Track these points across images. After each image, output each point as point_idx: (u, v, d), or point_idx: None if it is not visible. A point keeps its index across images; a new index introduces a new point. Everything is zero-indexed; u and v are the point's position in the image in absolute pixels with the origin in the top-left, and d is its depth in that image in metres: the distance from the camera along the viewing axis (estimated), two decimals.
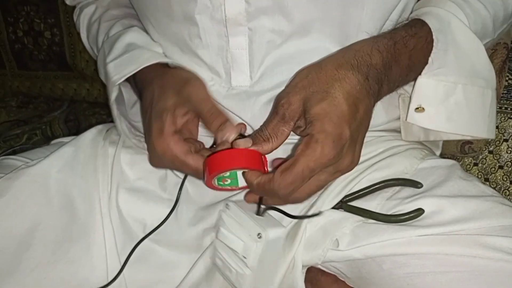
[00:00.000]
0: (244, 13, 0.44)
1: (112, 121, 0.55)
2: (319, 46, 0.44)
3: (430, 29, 0.43)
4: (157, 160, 0.44)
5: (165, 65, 0.48)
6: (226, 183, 0.42)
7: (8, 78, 1.03)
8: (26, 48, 0.97)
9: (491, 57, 0.59)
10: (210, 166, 0.39)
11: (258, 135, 0.39)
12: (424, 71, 0.44)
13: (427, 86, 0.44)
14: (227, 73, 0.47)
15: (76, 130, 0.93)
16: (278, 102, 0.39)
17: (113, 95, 0.49)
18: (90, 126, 0.57)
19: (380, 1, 0.44)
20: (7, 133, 0.94)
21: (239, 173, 0.41)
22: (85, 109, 0.98)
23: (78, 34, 0.89)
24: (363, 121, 0.39)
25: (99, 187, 0.48)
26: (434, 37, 0.43)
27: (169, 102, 0.43)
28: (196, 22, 0.45)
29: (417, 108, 0.44)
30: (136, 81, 0.49)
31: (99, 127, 0.55)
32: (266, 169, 0.41)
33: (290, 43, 0.45)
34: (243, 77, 0.46)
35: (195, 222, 0.48)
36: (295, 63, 0.45)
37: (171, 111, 0.43)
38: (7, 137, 0.93)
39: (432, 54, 0.43)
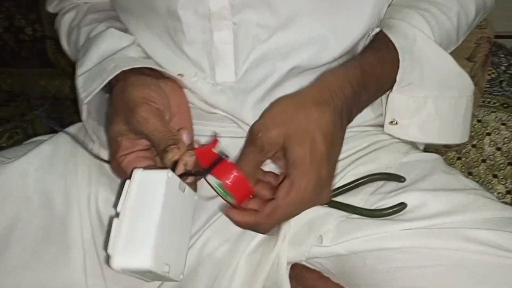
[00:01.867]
0: (228, 7, 0.43)
1: None
2: (305, 41, 0.44)
3: (395, 47, 0.44)
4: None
5: (134, 71, 0.45)
6: (220, 189, 0.41)
7: None
8: (7, 44, 0.95)
9: (474, 51, 0.60)
10: (222, 168, 0.39)
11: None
12: (394, 88, 0.45)
13: (399, 101, 0.46)
14: (212, 69, 0.46)
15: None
16: (256, 133, 0.39)
17: (83, 114, 0.47)
18: (74, 124, 0.56)
19: None
20: None
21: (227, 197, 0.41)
22: (68, 107, 0.96)
23: None
24: (338, 154, 0.42)
25: (78, 186, 0.47)
26: (400, 56, 0.44)
27: (119, 127, 0.41)
28: (179, 17, 0.44)
29: (391, 122, 0.47)
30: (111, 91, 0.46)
31: (79, 124, 0.54)
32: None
33: (276, 37, 0.44)
34: (228, 72, 0.46)
35: None
36: (280, 58, 0.45)
37: (123, 134, 0.41)
38: None
39: (399, 74, 0.44)
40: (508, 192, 0.56)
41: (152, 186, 0.34)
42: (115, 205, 0.36)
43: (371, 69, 0.43)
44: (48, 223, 0.44)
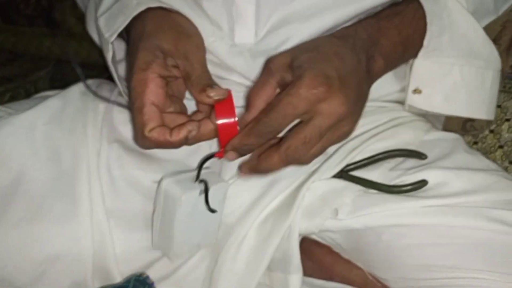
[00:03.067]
0: None
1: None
2: (331, 5, 0.43)
3: (418, 6, 0.42)
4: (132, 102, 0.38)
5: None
6: None
7: None
8: (12, 1, 0.92)
9: (499, 33, 0.58)
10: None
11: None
12: (420, 54, 0.43)
13: (423, 68, 0.44)
14: (231, 29, 0.44)
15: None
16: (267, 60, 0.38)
17: (109, 54, 0.45)
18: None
19: None
20: None
21: None
22: (72, 70, 0.94)
23: None
24: (353, 73, 0.37)
25: (88, 142, 0.45)
26: (428, 20, 0.42)
27: (164, 43, 0.39)
28: None
29: (414, 90, 0.44)
30: (129, 36, 0.45)
31: (89, 81, 0.52)
32: None
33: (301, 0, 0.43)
34: (248, 33, 0.44)
35: None
36: (303, 20, 0.43)
37: (164, 53, 0.39)
38: None
39: (426, 37, 0.42)
40: None
41: (171, 199, 0.40)
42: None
43: (387, 18, 0.42)
44: (56, 177, 0.43)
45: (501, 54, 0.55)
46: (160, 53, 0.38)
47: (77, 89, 0.50)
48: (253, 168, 0.38)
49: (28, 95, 0.89)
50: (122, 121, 0.47)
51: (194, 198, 0.40)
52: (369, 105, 0.42)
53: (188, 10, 0.44)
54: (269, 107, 0.35)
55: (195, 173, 0.40)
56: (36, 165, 0.43)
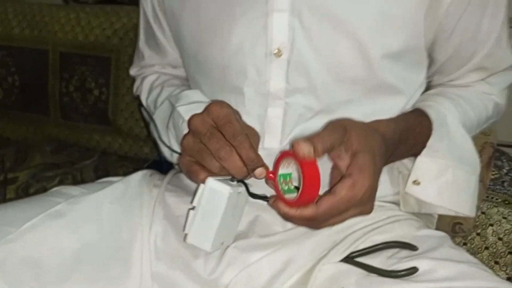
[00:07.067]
0: (284, 90, 0.54)
1: (147, 167, 0.65)
2: None
3: (430, 119, 0.55)
4: (195, 125, 0.47)
5: None
6: (284, 186, 0.47)
7: (49, 126, 1.13)
8: (73, 101, 1.08)
9: (479, 152, 0.70)
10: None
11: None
12: (423, 152, 0.54)
13: (425, 164, 0.54)
14: (262, 136, 0.56)
15: None
16: (342, 123, 0.47)
17: (185, 131, 0.52)
18: (117, 176, 0.64)
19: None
20: (41, 174, 1.02)
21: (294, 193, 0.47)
22: (114, 161, 1.07)
23: (123, 95, 1.02)
24: (378, 179, 0.48)
25: (143, 219, 0.55)
26: (433, 126, 0.54)
27: (228, 109, 0.48)
28: (243, 93, 0.56)
29: (414, 181, 0.54)
30: None
31: (144, 171, 0.64)
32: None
33: (318, 118, 0.55)
34: (275, 140, 0.56)
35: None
36: None
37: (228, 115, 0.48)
38: (40, 178, 1.01)
39: (430, 140, 0.54)
40: (508, 279, 0.62)
41: (218, 194, 0.46)
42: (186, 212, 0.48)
43: (413, 127, 0.52)
44: (115, 248, 0.52)
45: (481, 170, 0.66)
46: (231, 114, 0.48)
47: (136, 176, 0.62)
48: (284, 211, 0.45)
49: (74, 180, 1.01)
50: (173, 202, 0.58)
51: (235, 196, 0.46)
52: None
53: None
54: (329, 205, 0.44)
55: (230, 178, 0.48)
56: (100, 237, 0.52)
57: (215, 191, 0.46)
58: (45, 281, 0.47)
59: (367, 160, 0.45)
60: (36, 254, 0.48)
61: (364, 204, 0.46)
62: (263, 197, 0.48)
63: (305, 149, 0.43)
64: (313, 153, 0.43)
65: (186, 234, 0.47)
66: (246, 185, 0.48)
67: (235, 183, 0.48)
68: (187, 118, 0.53)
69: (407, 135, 0.53)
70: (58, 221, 0.51)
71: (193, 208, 0.47)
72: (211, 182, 0.46)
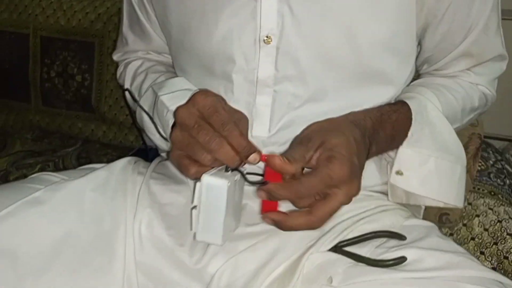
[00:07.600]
0: (272, 78, 0.53)
1: (132, 155, 0.63)
2: (330, 111, 0.53)
3: (409, 108, 0.54)
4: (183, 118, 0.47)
5: None
6: None
7: (30, 113, 1.10)
8: (55, 87, 1.05)
9: (466, 144, 0.71)
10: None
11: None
12: (404, 142, 0.54)
13: (406, 154, 0.54)
14: (250, 124, 0.55)
15: None
16: (300, 137, 0.48)
17: (171, 121, 0.52)
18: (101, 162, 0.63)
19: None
20: (20, 162, 0.99)
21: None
22: (98, 149, 1.04)
23: (107, 81, 1.00)
24: (362, 161, 0.48)
25: (127, 207, 0.54)
26: (413, 116, 0.53)
27: (214, 98, 0.48)
28: (232, 80, 0.55)
29: (397, 172, 0.54)
30: None
31: (128, 158, 0.62)
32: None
33: (306, 107, 0.54)
34: (263, 129, 0.55)
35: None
36: (307, 123, 0.54)
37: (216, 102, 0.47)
38: (20, 165, 0.98)
39: (410, 130, 0.53)
40: (493, 269, 0.63)
41: (217, 189, 0.45)
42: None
43: (388, 114, 0.52)
44: (97, 237, 0.51)
45: (468, 160, 0.66)
46: (217, 102, 0.48)
47: (119, 163, 0.60)
48: (278, 221, 0.45)
49: (55, 167, 0.98)
50: (158, 190, 0.57)
51: (233, 185, 0.46)
52: (359, 193, 0.52)
53: None
54: (311, 173, 0.44)
55: (223, 167, 0.47)
56: (81, 225, 0.51)
57: (212, 187, 0.45)
58: (22, 272, 0.45)
59: (338, 140, 0.45)
60: (13, 244, 0.46)
61: (350, 179, 0.44)
62: (261, 182, 0.47)
63: (277, 160, 0.44)
64: (287, 162, 0.44)
65: (194, 233, 0.47)
66: (242, 173, 0.48)
67: (229, 172, 0.47)
68: (171, 107, 0.51)
69: (383, 121, 0.52)
70: (36, 209, 0.49)
71: (194, 207, 0.46)
72: (207, 178, 0.45)
